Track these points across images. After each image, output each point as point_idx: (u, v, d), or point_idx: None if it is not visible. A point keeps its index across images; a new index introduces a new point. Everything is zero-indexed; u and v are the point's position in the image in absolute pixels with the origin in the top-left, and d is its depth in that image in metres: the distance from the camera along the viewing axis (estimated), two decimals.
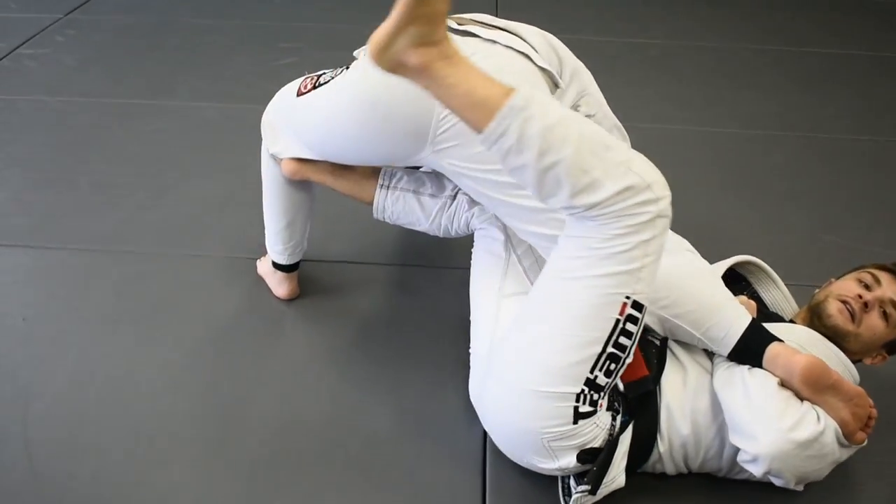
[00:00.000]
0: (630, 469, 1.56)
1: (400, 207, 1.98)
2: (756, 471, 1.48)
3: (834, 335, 1.71)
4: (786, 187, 2.84)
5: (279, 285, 2.15)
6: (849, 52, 4.10)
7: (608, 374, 1.45)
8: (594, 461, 1.50)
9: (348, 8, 4.34)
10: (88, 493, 1.62)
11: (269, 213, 2.05)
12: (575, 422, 1.45)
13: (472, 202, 1.92)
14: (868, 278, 1.76)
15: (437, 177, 1.98)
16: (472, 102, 1.34)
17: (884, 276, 1.75)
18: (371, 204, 2.00)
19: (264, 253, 2.18)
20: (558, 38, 1.82)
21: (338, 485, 1.66)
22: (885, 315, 1.71)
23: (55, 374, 1.89)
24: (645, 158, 1.40)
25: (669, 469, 1.64)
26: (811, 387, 1.51)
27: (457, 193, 1.95)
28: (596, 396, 1.46)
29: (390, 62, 1.34)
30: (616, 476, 1.53)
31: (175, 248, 2.35)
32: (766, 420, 1.47)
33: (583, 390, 1.44)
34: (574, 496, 1.51)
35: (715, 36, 4.23)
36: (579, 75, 1.82)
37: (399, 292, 2.23)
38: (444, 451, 1.74)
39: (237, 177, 2.67)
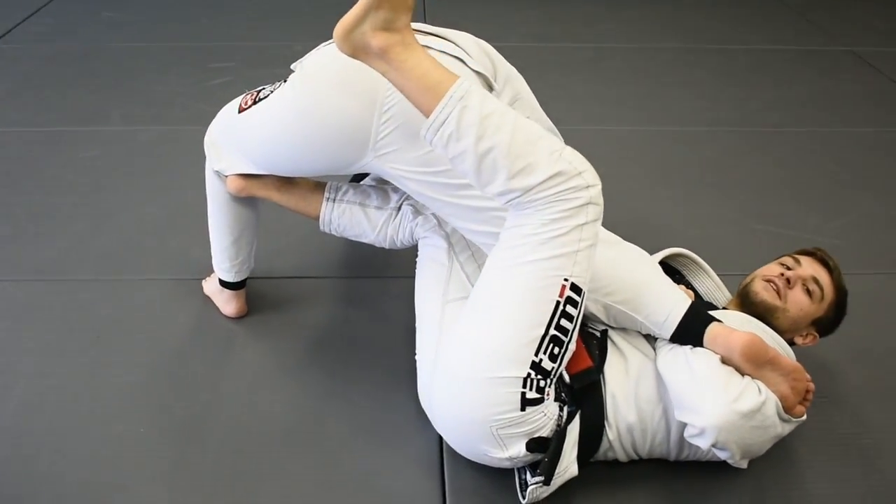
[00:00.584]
0: (582, 459, 1.60)
1: (346, 220, 2.01)
2: (703, 443, 1.53)
3: (763, 313, 1.79)
4: (717, 180, 2.93)
5: (227, 303, 2.15)
6: (770, 48, 4.25)
7: (553, 357, 1.50)
8: (544, 451, 1.54)
9: (276, 25, 4.37)
10: None
11: (215, 231, 2.06)
12: (522, 408, 1.49)
13: (416, 212, 1.96)
14: (789, 261, 1.87)
15: (382, 189, 2.02)
16: (424, 86, 1.44)
17: (804, 259, 1.87)
18: (317, 218, 2.03)
19: (210, 273, 2.19)
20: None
21: (298, 496, 1.67)
22: (808, 292, 1.81)
23: (5, 405, 1.86)
24: (576, 151, 1.49)
25: (621, 456, 1.69)
26: (751, 362, 1.57)
27: (401, 205, 1.98)
28: (542, 383, 1.50)
29: (354, 45, 1.45)
30: (568, 466, 1.57)
31: (119, 274, 2.33)
32: (711, 393, 1.52)
33: (529, 374, 1.48)
34: (529, 488, 1.55)
35: (641, 38, 4.34)
36: (512, 81, 1.87)
37: (347, 304, 2.25)
38: (402, 456, 1.77)
39: (177, 199, 2.67)
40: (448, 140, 1.45)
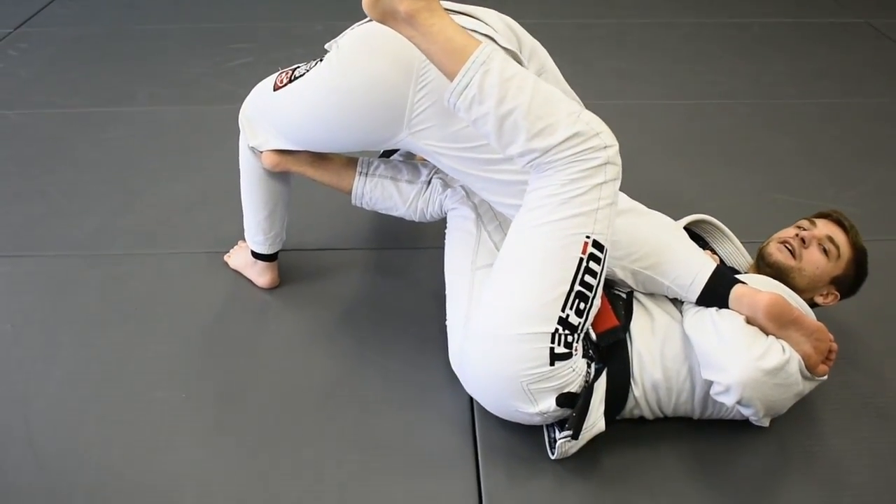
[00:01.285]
0: (609, 416, 1.66)
1: (378, 193, 2.07)
2: (728, 400, 1.59)
3: (779, 274, 1.85)
4: (734, 152, 2.97)
5: (261, 275, 2.22)
6: (785, 20, 4.27)
7: (579, 313, 1.56)
8: (572, 406, 1.60)
9: (296, 6, 4.41)
10: (97, 482, 1.68)
11: (250, 205, 2.12)
12: (552, 363, 1.56)
13: (445, 185, 2.02)
14: (805, 223, 1.93)
15: (412, 164, 2.08)
16: (449, 49, 1.51)
17: (820, 221, 1.93)
18: (349, 192, 2.09)
19: (231, 248, 2.29)
20: None
21: (336, 455, 1.74)
22: (824, 251, 1.86)
23: (50, 375, 1.93)
24: (593, 114, 1.55)
25: (647, 413, 1.75)
26: (775, 321, 1.63)
27: (431, 178, 2.04)
28: (570, 338, 1.57)
29: (383, 10, 1.52)
30: (596, 421, 1.62)
31: (152, 249, 2.40)
32: (736, 352, 1.58)
33: (556, 329, 1.54)
34: (559, 442, 1.61)
35: (658, 14, 4.36)
36: (537, 53, 1.92)
37: (377, 274, 2.31)
38: (434, 416, 1.83)
39: (205, 176, 2.74)
40: (471, 103, 1.51)
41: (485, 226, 1.94)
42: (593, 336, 1.68)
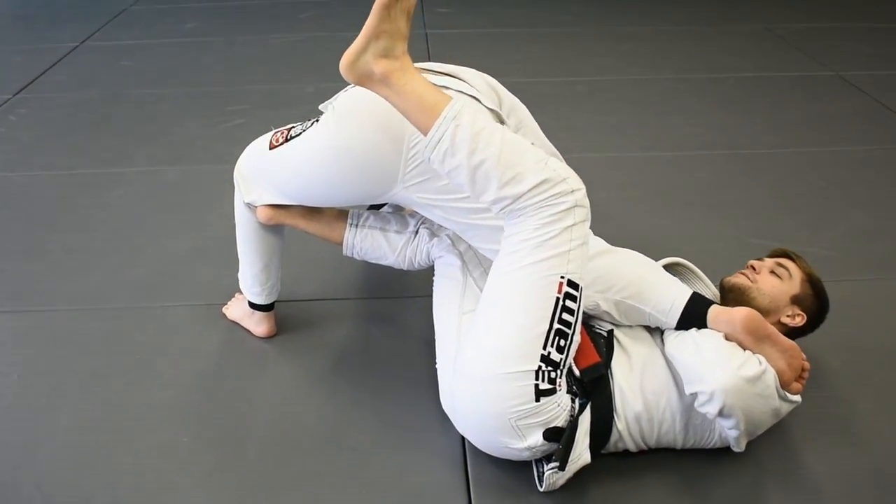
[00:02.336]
0: (595, 448, 1.74)
1: (368, 244, 2.18)
2: (712, 409, 1.67)
3: (741, 297, 1.97)
4: (712, 200, 3.09)
5: (258, 325, 2.31)
6: (760, 75, 4.43)
7: (560, 349, 1.65)
8: (558, 440, 1.68)
9: (288, 69, 4.55)
10: None
11: (246, 258, 2.22)
12: (537, 399, 1.63)
13: (432, 234, 2.13)
14: (754, 261, 2.08)
15: (401, 215, 2.19)
16: (422, 106, 1.62)
17: (767, 258, 2.08)
18: (340, 243, 2.19)
19: (228, 300, 2.39)
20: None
21: (332, 497, 1.81)
22: (775, 274, 2.00)
23: (57, 422, 2.00)
24: (560, 161, 1.69)
25: (630, 446, 1.83)
26: (752, 334, 1.75)
27: (418, 229, 2.15)
28: (553, 374, 1.65)
29: (359, 73, 1.64)
30: (581, 453, 1.71)
31: (153, 302, 2.49)
32: (717, 362, 1.70)
33: (540, 367, 1.63)
34: (546, 474, 1.69)
35: (637, 70, 4.53)
36: (516, 110, 2.03)
37: (369, 322, 2.40)
38: (427, 455, 1.91)
39: (202, 232, 2.83)
40: (444, 155, 1.62)
41: (470, 272, 2.04)
42: (577, 372, 1.76)
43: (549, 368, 1.64)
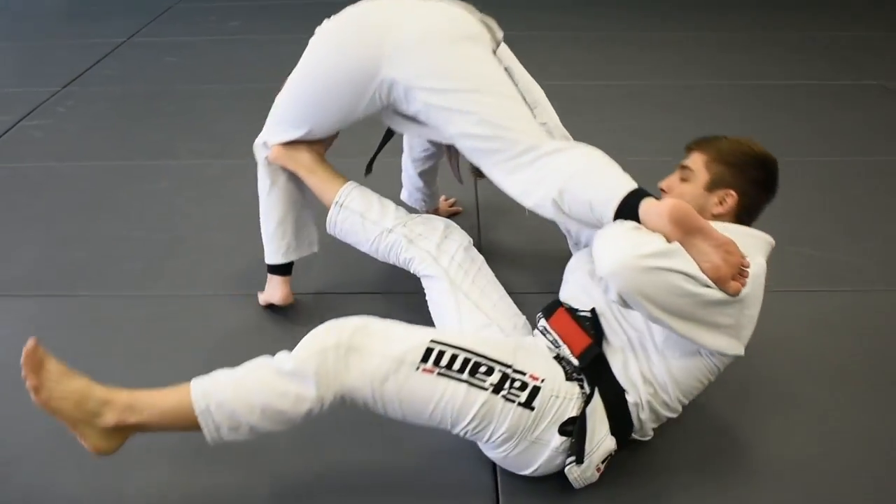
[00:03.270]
0: (620, 432, 1.71)
1: (347, 226, 2.18)
2: (612, 295, 1.57)
3: None
4: None
5: (275, 290, 2.38)
6: (801, 83, 4.42)
7: (488, 372, 1.64)
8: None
9: None
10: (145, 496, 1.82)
11: (263, 218, 2.33)
12: (529, 407, 1.64)
13: (410, 242, 2.09)
14: (662, 183, 1.98)
15: (383, 203, 2.17)
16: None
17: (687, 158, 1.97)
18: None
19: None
20: None
21: (360, 486, 1.85)
22: (684, 181, 1.92)
23: None
24: (570, 141, 1.82)
25: (664, 412, 1.76)
26: (678, 225, 1.60)
27: (394, 227, 2.11)
28: (516, 383, 1.64)
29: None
30: (601, 440, 1.69)
31: (193, 291, 2.56)
32: (615, 244, 1.60)
33: (501, 397, 1.63)
34: (567, 468, 1.68)
35: (671, 75, 4.53)
36: (531, 91, 2.13)
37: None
38: (453, 456, 1.91)
39: (242, 226, 2.87)
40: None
41: (460, 287, 2.01)
42: (574, 361, 1.74)
43: (505, 385, 1.64)
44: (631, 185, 1.72)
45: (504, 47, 2.14)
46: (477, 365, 1.63)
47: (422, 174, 2.70)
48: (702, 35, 5.26)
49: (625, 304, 1.58)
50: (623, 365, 1.74)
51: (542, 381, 1.66)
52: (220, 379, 1.65)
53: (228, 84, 4.40)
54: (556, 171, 1.80)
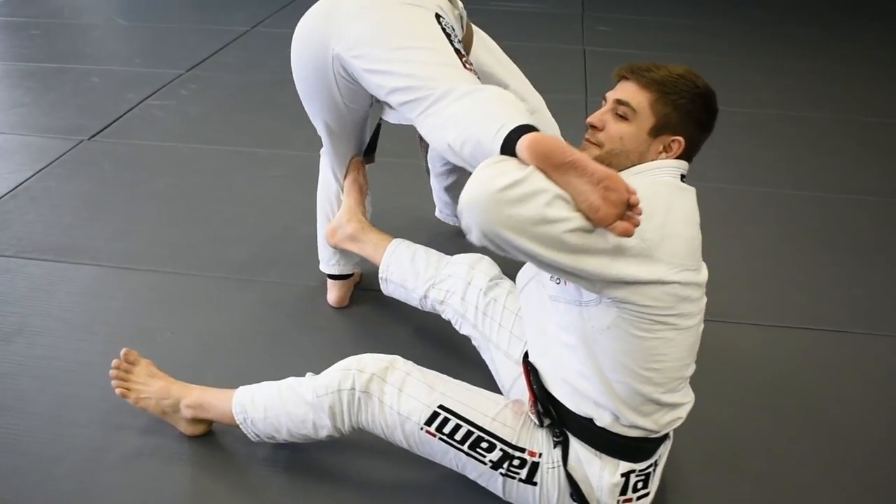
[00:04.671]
0: (625, 456, 1.62)
1: (397, 296, 2.22)
2: (473, 238, 1.38)
3: (610, 167, 1.42)
4: (863, 245, 2.99)
5: (329, 291, 2.47)
6: None
7: (488, 448, 1.66)
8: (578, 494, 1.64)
9: None
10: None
11: (319, 221, 2.42)
12: (531, 482, 1.65)
13: (441, 304, 2.09)
14: (602, 102, 1.68)
15: (415, 268, 2.15)
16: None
17: (607, 95, 1.67)
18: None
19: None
20: None
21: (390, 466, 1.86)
22: (619, 117, 1.61)
23: (204, 378, 2.09)
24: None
25: (646, 420, 1.60)
26: (544, 161, 1.37)
27: (426, 293, 2.11)
28: (516, 462, 1.65)
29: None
30: (599, 478, 1.62)
31: (304, 279, 2.61)
32: (475, 175, 1.37)
33: (502, 472, 1.66)
34: None
35: (794, 106, 4.41)
36: (528, 100, 2.26)
37: None
38: None
39: None
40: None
41: (490, 339, 1.98)
42: (537, 420, 1.66)
43: (508, 462, 1.65)
44: (521, 120, 1.51)
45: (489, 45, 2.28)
46: (479, 440, 1.66)
47: (448, 189, 2.69)
48: (825, 67, 5.06)
49: (496, 247, 1.37)
50: (573, 391, 1.62)
51: (540, 455, 1.65)
52: (257, 398, 1.83)
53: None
54: (456, 112, 1.67)
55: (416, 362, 1.78)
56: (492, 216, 1.33)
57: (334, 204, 2.36)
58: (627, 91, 1.62)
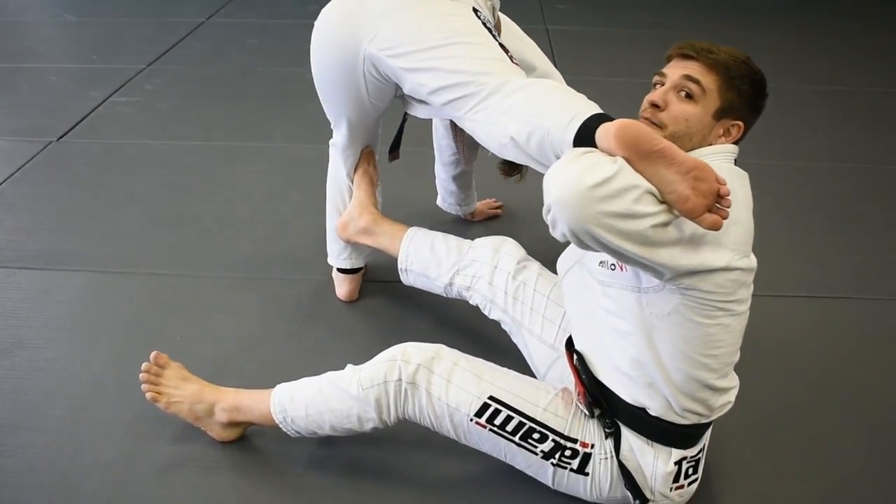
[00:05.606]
0: (678, 444, 1.61)
1: (420, 285, 2.19)
2: (557, 234, 1.35)
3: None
4: (844, 213, 3.05)
5: (338, 286, 2.45)
6: (890, 90, 4.33)
7: (540, 440, 1.64)
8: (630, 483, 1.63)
9: None
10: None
11: (328, 216, 2.38)
12: (582, 473, 1.65)
13: (468, 290, 2.07)
14: (657, 79, 1.64)
15: (436, 256, 2.12)
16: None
17: (668, 68, 1.64)
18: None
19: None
20: None
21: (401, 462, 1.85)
22: (687, 96, 1.56)
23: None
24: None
25: (699, 405, 1.58)
26: (630, 149, 1.32)
27: (451, 280, 2.09)
28: (567, 452, 1.64)
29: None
30: (654, 467, 1.61)
31: (306, 274, 2.56)
32: (562, 168, 1.33)
33: (553, 462, 1.65)
34: None
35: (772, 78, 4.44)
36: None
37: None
38: None
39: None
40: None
41: (521, 324, 1.97)
42: (587, 411, 1.65)
43: (559, 452, 1.64)
44: (593, 109, 1.49)
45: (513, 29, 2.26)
46: (530, 431, 1.64)
47: (455, 178, 2.67)
48: (787, 38, 5.16)
49: (579, 242, 1.34)
50: (626, 380, 1.59)
51: (592, 446, 1.64)
52: (296, 396, 1.79)
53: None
54: (515, 104, 1.62)
55: None
56: (584, 214, 1.27)
57: (346, 196, 2.32)
58: (693, 70, 1.57)
